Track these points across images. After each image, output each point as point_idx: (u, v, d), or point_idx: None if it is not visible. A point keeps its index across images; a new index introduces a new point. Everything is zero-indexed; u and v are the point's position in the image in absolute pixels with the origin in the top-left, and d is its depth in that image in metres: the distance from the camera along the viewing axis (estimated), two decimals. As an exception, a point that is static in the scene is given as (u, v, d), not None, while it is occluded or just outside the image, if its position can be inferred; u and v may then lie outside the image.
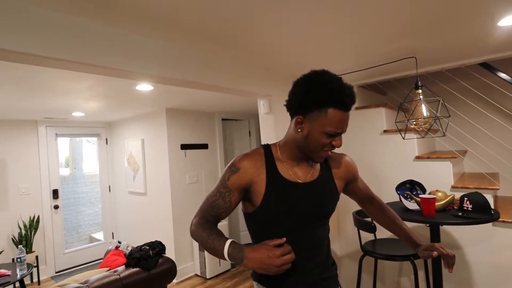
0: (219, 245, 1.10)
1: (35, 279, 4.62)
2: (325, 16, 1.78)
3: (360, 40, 2.22)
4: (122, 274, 2.38)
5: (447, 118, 2.53)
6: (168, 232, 4.41)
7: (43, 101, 3.40)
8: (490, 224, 2.63)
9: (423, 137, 2.79)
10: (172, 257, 4.26)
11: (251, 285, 4.07)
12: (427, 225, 2.29)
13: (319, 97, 1.10)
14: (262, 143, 3.05)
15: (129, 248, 2.87)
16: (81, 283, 2.21)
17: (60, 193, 5.03)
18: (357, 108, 3.37)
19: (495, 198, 2.92)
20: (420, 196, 2.29)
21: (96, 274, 2.38)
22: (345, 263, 3.54)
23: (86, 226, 6.08)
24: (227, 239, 1.11)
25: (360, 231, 2.70)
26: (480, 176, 3.23)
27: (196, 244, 4.48)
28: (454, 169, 2.94)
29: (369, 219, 2.56)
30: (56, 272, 4.94)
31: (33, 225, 4.53)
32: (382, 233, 2.95)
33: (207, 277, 4.33)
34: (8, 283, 3.26)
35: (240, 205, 1.29)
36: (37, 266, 4.56)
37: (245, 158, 1.22)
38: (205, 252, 4.28)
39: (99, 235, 5.87)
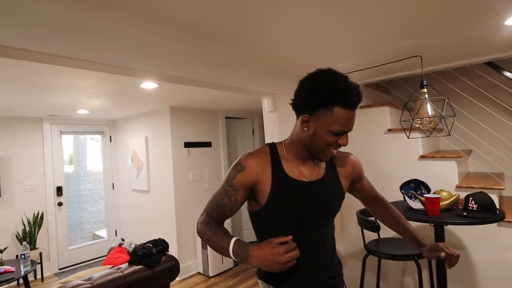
0: (224, 243, 1.10)
1: (38, 276, 4.64)
2: (329, 14, 1.77)
3: (365, 39, 2.20)
4: (126, 272, 2.38)
5: (452, 117, 2.51)
6: (171, 230, 4.42)
7: (47, 98, 3.40)
8: (495, 224, 2.61)
9: (428, 136, 2.78)
10: (175, 255, 4.27)
11: (254, 283, 4.07)
12: (432, 224, 2.28)
13: (325, 96, 1.09)
14: (266, 141, 3.04)
15: (132, 246, 2.87)
16: (85, 280, 2.22)
17: (64, 190, 5.05)
18: (361, 107, 3.35)
19: (500, 198, 2.90)
20: (424, 195, 2.27)
21: (100, 271, 2.38)
22: (349, 262, 3.53)
23: (90, 223, 6.11)
24: (232, 237, 1.11)
25: (364, 230, 2.69)
26: (485, 175, 3.22)
27: (198, 242, 4.49)
28: (459, 169, 2.92)
29: (373, 218, 2.55)
30: (60, 269, 4.96)
31: (37, 222, 4.55)
32: (386, 232, 2.94)
33: (210, 275, 4.34)
34: (12, 280, 3.27)
35: (244, 204, 1.29)
36: (41, 263, 4.58)
37: (250, 157, 1.22)
38: (208, 250, 4.29)
39: (103, 233, 5.89)
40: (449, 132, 2.54)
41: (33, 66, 2.27)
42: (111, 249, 3.09)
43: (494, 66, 2.84)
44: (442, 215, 2.22)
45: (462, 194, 2.62)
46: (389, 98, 4.33)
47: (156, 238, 2.86)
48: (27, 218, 4.57)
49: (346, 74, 1.13)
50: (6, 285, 3.89)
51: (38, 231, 4.55)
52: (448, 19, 1.92)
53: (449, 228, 2.86)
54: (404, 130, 2.72)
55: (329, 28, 1.97)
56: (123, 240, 3.03)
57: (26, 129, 4.69)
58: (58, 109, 4.11)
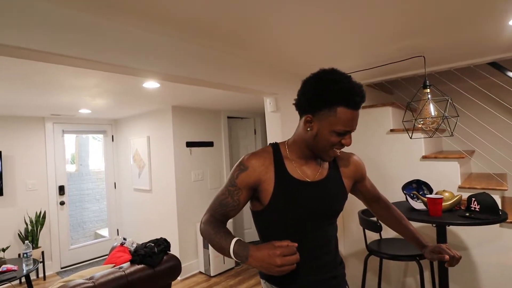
0: (225, 243, 1.10)
1: (40, 275, 4.65)
2: (331, 14, 1.77)
3: (368, 39, 2.20)
4: (127, 271, 2.38)
5: (455, 117, 2.50)
6: (172, 229, 4.43)
7: (50, 98, 3.41)
8: (497, 225, 2.61)
9: (430, 137, 2.77)
10: (177, 254, 4.27)
11: (255, 283, 4.07)
12: (434, 225, 2.28)
13: (329, 95, 1.09)
14: (268, 141, 3.04)
15: (134, 245, 2.87)
16: (87, 279, 2.22)
17: (66, 190, 5.06)
18: (363, 107, 3.34)
19: (503, 198, 2.89)
20: (427, 196, 2.27)
21: (102, 270, 2.39)
22: (350, 263, 3.53)
23: (92, 223, 6.12)
24: (233, 237, 1.11)
25: (366, 230, 2.68)
26: (487, 176, 3.21)
27: (200, 242, 4.49)
28: (461, 169, 2.92)
29: (374, 219, 2.55)
30: (62, 268, 4.97)
31: (39, 221, 4.56)
32: (388, 232, 2.94)
33: (211, 274, 4.34)
34: (14, 278, 3.28)
35: (246, 204, 1.29)
36: (43, 262, 4.59)
37: (253, 157, 1.22)
38: (210, 249, 4.30)
39: (104, 232, 5.91)
40: (452, 133, 2.53)
41: (36, 65, 2.27)
42: (113, 248, 3.09)
43: (498, 67, 2.83)
44: (444, 215, 2.22)
45: (465, 195, 2.61)
46: (391, 98, 4.32)
47: (158, 237, 2.86)
48: (29, 217, 4.59)
49: (349, 74, 1.13)
50: (8, 284, 3.90)
51: (40, 230, 4.56)
52: (451, 19, 1.91)
53: (451, 228, 2.85)
54: (407, 130, 2.71)
55: (331, 28, 1.97)
56: (125, 239, 3.03)
57: (29, 128, 4.71)
58: (60, 108, 4.12)
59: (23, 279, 4.43)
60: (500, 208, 2.29)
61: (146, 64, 1.89)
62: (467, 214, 2.16)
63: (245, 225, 5.60)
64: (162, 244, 2.73)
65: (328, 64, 2.72)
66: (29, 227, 4.49)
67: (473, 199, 2.24)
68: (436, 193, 2.45)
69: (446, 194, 2.38)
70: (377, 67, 2.90)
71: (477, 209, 2.20)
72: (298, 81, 1.20)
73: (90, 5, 1.55)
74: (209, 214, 1.25)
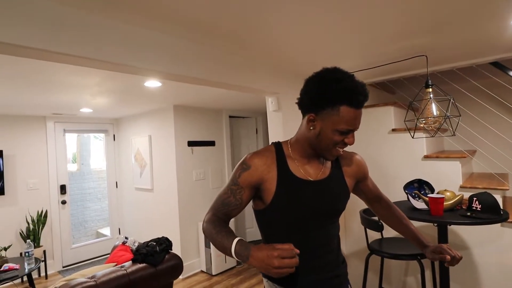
0: (227, 242, 1.10)
1: (42, 273, 4.66)
2: (334, 14, 1.77)
3: (370, 38, 2.20)
4: (129, 270, 2.39)
5: (457, 117, 2.50)
6: (174, 229, 4.43)
7: (51, 96, 3.42)
8: (498, 224, 2.61)
9: (432, 136, 2.77)
10: (178, 253, 4.28)
11: (256, 282, 4.07)
12: (435, 224, 2.28)
13: (332, 94, 1.10)
14: (270, 140, 3.04)
15: (136, 244, 2.88)
16: (89, 278, 2.23)
17: (67, 189, 5.07)
18: (365, 107, 3.34)
19: (504, 198, 2.89)
20: (428, 195, 2.27)
21: (103, 269, 2.40)
22: (352, 262, 3.53)
23: (93, 222, 6.13)
24: (235, 237, 1.10)
25: (367, 229, 2.68)
26: (489, 176, 3.21)
27: (202, 241, 4.50)
28: (463, 169, 2.92)
29: (376, 218, 2.55)
30: (63, 267, 4.98)
31: (41, 220, 4.57)
32: (389, 232, 2.94)
33: (213, 273, 4.34)
34: (16, 277, 3.29)
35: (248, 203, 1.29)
36: (45, 261, 4.60)
37: (256, 156, 1.22)
38: (211, 248, 4.30)
39: (106, 231, 5.92)
40: (453, 132, 2.53)
41: (37, 64, 2.27)
42: (114, 247, 3.10)
43: (500, 66, 2.82)
44: (445, 215, 2.22)
45: (466, 195, 2.61)
46: (393, 97, 4.32)
47: (160, 236, 2.87)
48: (31, 216, 4.59)
49: (352, 73, 1.13)
50: (10, 283, 3.91)
51: (42, 229, 4.57)
52: (454, 19, 1.91)
53: (453, 228, 2.85)
54: (409, 130, 2.71)
55: (333, 27, 1.97)
56: (126, 238, 3.04)
57: (30, 128, 4.71)
58: (61, 107, 4.13)
59: (25, 278, 4.44)
60: (501, 208, 2.29)
61: (148, 63, 1.89)
62: (469, 214, 2.16)
63: (246, 224, 5.60)
64: (164, 243, 2.74)
65: (330, 63, 2.71)
66: (31, 226, 4.49)
67: (475, 198, 2.24)
68: (437, 193, 2.45)
69: (448, 193, 2.38)
70: (379, 67, 2.90)
71: (478, 209, 2.20)
72: (300, 81, 1.20)
73: (90, 3, 1.55)
74: (212, 213, 1.25)
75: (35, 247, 4.42)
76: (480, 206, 2.19)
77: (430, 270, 2.90)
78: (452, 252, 1.25)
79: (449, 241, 2.82)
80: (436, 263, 2.77)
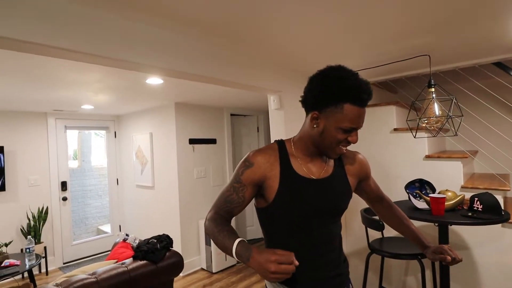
0: (228, 242, 1.09)
1: (43, 270, 4.67)
2: (337, 13, 1.77)
3: (373, 37, 2.20)
4: (130, 267, 2.39)
5: (459, 117, 2.50)
6: (175, 226, 4.44)
7: (52, 93, 3.42)
8: (499, 225, 2.61)
9: (434, 136, 2.77)
10: (179, 251, 4.28)
11: (256, 280, 4.08)
12: (436, 224, 2.28)
13: (335, 92, 1.09)
14: (272, 139, 3.04)
15: (137, 241, 2.88)
16: (89, 274, 2.23)
17: (68, 185, 5.08)
18: (367, 106, 3.32)
19: (505, 199, 2.89)
20: (429, 195, 2.27)
21: (104, 266, 2.40)
22: (352, 261, 3.53)
23: (94, 219, 6.14)
24: (236, 237, 1.09)
25: (368, 228, 2.68)
26: (490, 176, 3.20)
27: (202, 238, 4.50)
28: (464, 169, 2.91)
29: (377, 217, 2.55)
30: (64, 263, 4.99)
31: (42, 216, 4.58)
32: (390, 231, 2.94)
33: (213, 271, 4.35)
34: (17, 273, 3.30)
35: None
36: (45, 257, 4.61)
37: (258, 153, 1.22)
38: (212, 246, 4.31)
39: (107, 228, 5.93)
40: (456, 132, 2.53)
41: (38, 59, 2.27)
42: (115, 244, 3.10)
43: (503, 67, 2.82)
44: (446, 215, 2.22)
45: (467, 195, 2.61)
46: (395, 97, 4.31)
47: (160, 233, 2.87)
48: (31, 212, 4.60)
49: (356, 71, 1.13)
50: (11, 278, 3.92)
51: (42, 226, 4.57)
52: (459, 18, 1.91)
53: (454, 228, 2.85)
54: (411, 129, 2.71)
55: (336, 26, 1.96)
56: (127, 235, 3.04)
57: (31, 124, 4.72)
58: (63, 104, 4.13)
59: (26, 274, 4.44)
60: (502, 208, 2.29)
61: (150, 59, 1.89)
62: (470, 214, 2.16)
63: (247, 223, 5.61)
64: (165, 241, 2.74)
65: (333, 62, 2.69)
66: (32, 223, 4.50)
67: (476, 199, 2.24)
68: (439, 193, 2.45)
69: (449, 193, 2.38)
70: (381, 66, 2.89)
71: (479, 209, 2.20)
72: (302, 79, 1.20)
73: None
74: (214, 211, 1.24)
75: (35, 244, 4.42)
76: (481, 207, 2.19)
77: (431, 270, 2.90)
78: (453, 253, 1.25)
79: (450, 241, 2.82)
80: (437, 263, 2.77)
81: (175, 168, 4.40)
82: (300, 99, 1.22)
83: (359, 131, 1.18)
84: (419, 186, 2.62)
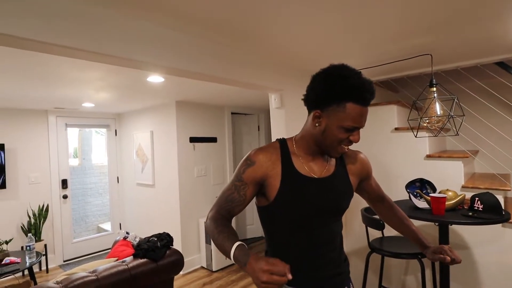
0: (227, 245, 1.08)
1: (43, 267, 4.68)
2: (338, 12, 1.76)
3: (374, 37, 2.19)
4: (130, 265, 2.39)
5: (460, 117, 2.49)
6: (175, 224, 4.44)
7: (53, 90, 3.42)
8: (499, 225, 2.60)
9: (435, 136, 2.76)
10: (179, 249, 4.27)
11: (257, 279, 4.07)
12: (436, 224, 2.28)
13: (338, 91, 1.09)
14: (273, 137, 3.04)
15: (137, 239, 2.88)
16: (90, 272, 2.23)
17: (69, 183, 5.08)
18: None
19: (506, 199, 2.89)
20: (430, 194, 2.27)
21: (104, 264, 2.40)
22: (352, 260, 3.53)
23: (94, 217, 6.14)
24: (235, 241, 1.08)
25: (368, 228, 2.68)
26: (490, 176, 3.20)
27: (202, 237, 4.50)
28: (465, 169, 2.91)
29: (377, 217, 2.55)
30: (64, 261, 5.00)
31: (42, 214, 4.58)
32: (390, 230, 2.93)
33: (213, 269, 4.36)
34: (17, 271, 3.30)
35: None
36: (46, 255, 4.62)
37: (260, 152, 1.22)
38: (212, 245, 4.31)
39: (107, 226, 5.93)
40: (457, 132, 2.53)
41: (40, 57, 2.26)
42: (115, 242, 3.10)
43: (505, 66, 2.81)
44: (447, 214, 2.22)
45: (468, 194, 2.61)
46: (397, 96, 4.31)
47: (161, 232, 2.87)
48: (32, 210, 4.60)
49: (359, 70, 1.12)
50: (12, 276, 3.93)
51: (43, 223, 4.58)
52: (461, 18, 1.90)
53: (454, 227, 2.85)
54: (412, 129, 2.70)
55: (339, 25, 1.96)
56: (128, 233, 3.04)
57: (32, 121, 4.72)
58: (64, 101, 4.13)
59: (26, 272, 4.45)
60: (503, 208, 2.29)
61: (151, 57, 1.88)
62: (470, 214, 2.16)
63: (247, 221, 5.61)
64: (165, 239, 2.74)
65: (334, 61, 2.68)
66: (32, 220, 4.51)
67: (477, 198, 2.23)
68: (439, 192, 2.45)
69: (450, 193, 2.38)
70: (383, 65, 2.89)
71: (480, 209, 2.20)
72: (304, 78, 1.20)
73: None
74: (215, 210, 1.24)
75: (36, 241, 4.43)
76: (482, 206, 2.19)
77: (430, 269, 2.90)
78: (453, 254, 1.25)
79: (450, 241, 2.82)
80: (437, 263, 2.77)
81: (175, 166, 4.40)
82: (303, 97, 1.22)
83: (360, 130, 1.18)
84: (419, 186, 2.61)
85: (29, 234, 3.74)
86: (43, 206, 4.66)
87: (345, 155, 1.35)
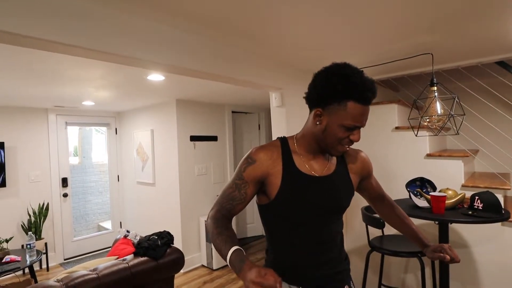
0: (224, 248, 1.07)
1: (44, 266, 4.68)
2: (341, 11, 1.76)
3: (374, 36, 2.19)
4: (131, 263, 2.40)
5: (461, 116, 2.49)
6: (175, 223, 4.44)
7: (54, 89, 3.41)
8: (499, 223, 2.61)
9: (436, 135, 2.77)
10: (180, 248, 4.28)
11: (257, 277, 4.08)
12: (436, 222, 2.28)
13: (339, 89, 1.09)
14: (273, 136, 3.04)
15: (138, 238, 2.89)
16: (90, 271, 2.23)
17: (69, 182, 5.08)
18: (369, 104, 3.32)
19: (505, 198, 2.89)
20: (430, 193, 2.27)
21: (105, 262, 2.40)
22: (352, 258, 3.54)
23: (94, 215, 6.14)
24: (233, 245, 1.07)
25: (368, 226, 2.69)
26: (490, 175, 3.20)
27: (203, 235, 4.51)
28: (465, 168, 2.91)
29: (377, 215, 2.55)
30: (65, 259, 5.01)
31: (42, 212, 4.59)
32: (390, 229, 2.94)
33: (214, 268, 4.36)
34: (18, 269, 3.31)
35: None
36: (46, 253, 4.62)
37: (261, 150, 1.22)
38: (212, 243, 4.31)
39: (107, 224, 5.93)
40: (457, 131, 2.53)
41: (40, 54, 2.26)
42: (116, 241, 3.11)
43: (505, 66, 2.81)
44: (447, 213, 2.22)
45: (468, 193, 2.61)
46: (397, 95, 4.31)
47: (161, 230, 2.88)
48: (32, 208, 4.61)
49: (361, 69, 1.13)
50: (12, 274, 3.94)
51: (43, 222, 4.58)
52: (459, 18, 1.90)
53: (454, 226, 2.85)
54: (412, 128, 2.71)
55: (341, 24, 1.96)
56: (128, 231, 3.04)
57: (32, 120, 4.72)
58: (64, 100, 4.13)
59: (27, 270, 4.46)
60: (503, 207, 2.29)
61: (153, 55, 1.88)
62: (470, 212, 2.17)
63: (248, 220, 5.62)
64: (166, 237, 2.74)
65: (335, 60, 2.70)
66: (32, 219, 4.51)
67: (477, 197, 2.24)
68: (439, 191, 2.46)
69: (450, 192, 2.38)
70: (383, 64, 2.89)
71: (480, 208, 2.20)
72: (305, 77, 1.20)
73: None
74: (216, 209, 1.24)
75: (36, 240, 4.44)
76: (482, 205, 2.19)
77: (430, 268, 2.90)
78: (453, 253, 1.25)
79: (450, 239, 2.83)
80: (436, 261, 2.77)
81: (176, 165, 4.41)
82: (304, 95, 1.22)
83: (361, 129, 1.17)
84: (420, 185, 2.62)
85: (30, 233, 3.74)
86: (43, 204, 4.67)
87: (346, 154, 1.35)
